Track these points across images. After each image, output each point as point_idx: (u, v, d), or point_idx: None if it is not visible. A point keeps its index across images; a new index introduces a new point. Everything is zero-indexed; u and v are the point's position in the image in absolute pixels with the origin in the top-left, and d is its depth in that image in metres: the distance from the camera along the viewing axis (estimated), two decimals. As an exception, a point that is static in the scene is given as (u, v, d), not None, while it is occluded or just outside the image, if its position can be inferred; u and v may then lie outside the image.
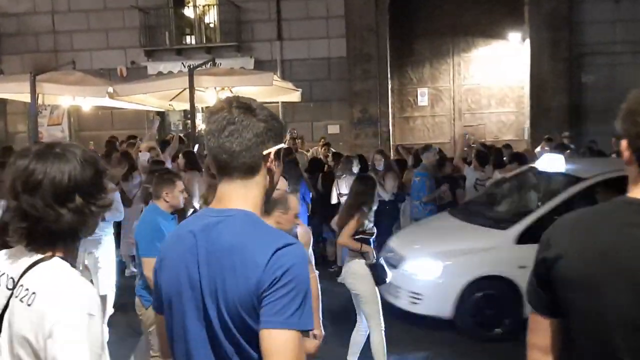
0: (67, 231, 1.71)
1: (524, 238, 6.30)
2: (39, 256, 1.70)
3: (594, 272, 1.69)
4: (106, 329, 5.62)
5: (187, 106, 12.03)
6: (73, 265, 1.75)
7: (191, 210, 8.23)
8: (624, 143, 1.74)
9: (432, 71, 16.98)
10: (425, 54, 16.91)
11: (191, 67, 10.97)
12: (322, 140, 13.84)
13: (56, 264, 1.70)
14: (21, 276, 1.68)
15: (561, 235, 1.78)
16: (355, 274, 5.27)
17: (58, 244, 1.72)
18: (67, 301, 1.62)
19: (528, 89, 15.96)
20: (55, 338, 1.58)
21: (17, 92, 11.77)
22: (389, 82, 16.49)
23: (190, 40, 17.34)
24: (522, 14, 15.93)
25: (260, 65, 15.74)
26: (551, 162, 7.26)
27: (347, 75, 15.96)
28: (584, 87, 15.46)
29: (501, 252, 6.35)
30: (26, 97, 11.60)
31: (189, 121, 14.08)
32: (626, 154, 1.75)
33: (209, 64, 12.84)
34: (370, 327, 5.33)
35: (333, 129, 16.21)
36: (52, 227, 1.68)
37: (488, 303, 6.37)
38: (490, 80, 16.73)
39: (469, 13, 16.30)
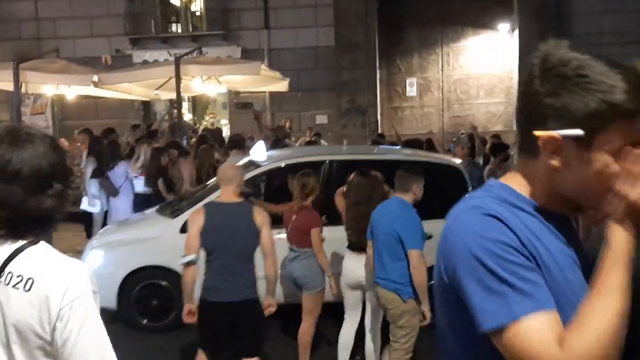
0: (47, 217, 1.70)
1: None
2: (22, 242, 1.66)
3: None
4: None
5: (173, 95, 11.91)
6: None
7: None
8: None
9: (421, 61, 16.89)
10: (414, 44, 16.80)
11: (177, 55, 10.84)
12: (309, 130, 13.72)
13: (44, 248, 1.68)
14: (5, 263, 1.64)
15: None
16: None
17: (37, 231, 1.70)
18: (69, 283, 1.62)
19: (517, 79, 15.92)
20: (67, 320, 1.58)
21: (-1, 80, 11.58)
22: (377, 72, 16.37)
23: (176, 28, 17.12)
24: (511, 3, 15.85)
25: (247, 54, 15.59)
26: (257, 152, 7.28)
27: (335, 64, 15.83)
28: (572, 77, 15.45)
29: (165, 242, 6.18)
30: (9, 86, 11.42)
31: (174, 110, 13.94)
32: None
33: (196, 52, 12.69)
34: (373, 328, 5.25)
35: (321, 118, 16.09)
36: (33, 214, 1.66)
37: (154, 293, 6.40)
38: (479, 71, 16.68)
39: (458, 2, 16.20)
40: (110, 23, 16.28)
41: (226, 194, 4.56)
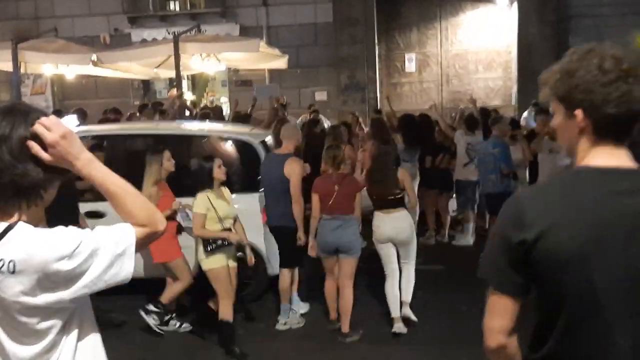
0: (33, 188, 1.73)
1: None
2: (4, 224, 1.70)
3: (585, 248, 1.66)
4: None
5: (172, 74, 11.90)
6: None
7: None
8: (579, 114, 1.72)
9: (420, 36, 16.84)
10: (413, 18, 16.74)
11: (176, 33, 10.84)
12: (311, 107, 13.73)
13: (22, 228, 1.71)
14: None
15: (537, 213, 1.71)
16: (413, 225, 6.07)
17: (21, 200, 1.73)
18: (52, 243, 1.67)
19: (515, 53, 15.89)
20: (63, 269, 1.65)
21: (-2, 60, 11.59)
22: (376, 48, 16.35)
23: (174, 6, 17.04)
24: (509, -23, 15.78)
25: (246, 32, 15.55)
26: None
27: (333, 40, 15.81)
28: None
29: None
30: (8, 66, 11.42)
31: (174, 89, 13.94)
32: (581, 124, 1.73)
33: (194, 30, 12.68)
34: (411, 266, 6.03)
35: (320, 95, 16.10)
36: (18, 181, 1.69)
37: None
38: (478, 45, 16.62)
39: (456, -24, 16.13)
40: (108, 2, 16.21)
41: (283, 147, 6.13)
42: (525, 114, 13.61)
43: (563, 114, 1.78)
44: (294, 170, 5.81)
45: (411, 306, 6.12)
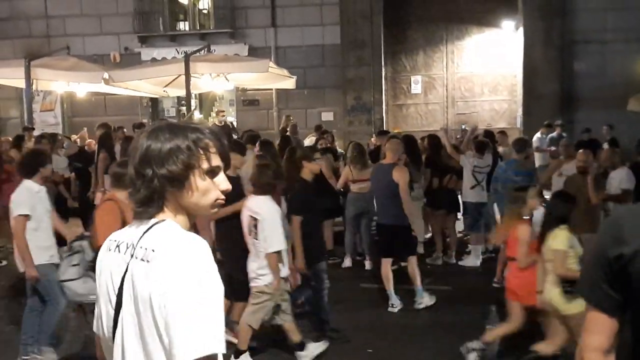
0: (154, 194, 1.79)
1: None
2: (154, 220, 1.80)
3: None
4: None
5: (181, 92, 12.05)
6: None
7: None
8: None
9: (426, 59, 17.02)
10: (419, 41, 16.93)
11: (186, 53, 11.00)
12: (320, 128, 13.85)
13: (168, 225, 1.79)
14: (139, 239, 1.78)
15: (636, 230, 1.71)
16: None
17: (163, 208, 1.81)
18: (183, 259, 1.68)
19: (521, 77, 16.04)
20: (170, 297, 1.64)
21: (10, 77, 11.76)
22: (383, 70, 16.52)
23: (184, 26, 17.27)
24: (515, 2, 15.96)
25: (254, 52, 15.75)
26: None
27: (341, 62, 15.98)
28: (576, 75, 15.55)
29: None
30: (19, 83, 11.58)
31: (182, 107, 14.11)
32: None
33: (204, 50, 12.84)
34: None
35: (327, 116, 16.23)
36: (143, 190, 1.79)
37: None
38: (484, 69, 16.78)
39: (463, 1, 16.32)
40: (119, 21, 16.44)
41: (387, 158, 7.01)
42: (538, 134, 13.63)
43: None
44: (402, 176, 6.73)
45: (416, 325, 6.15)
